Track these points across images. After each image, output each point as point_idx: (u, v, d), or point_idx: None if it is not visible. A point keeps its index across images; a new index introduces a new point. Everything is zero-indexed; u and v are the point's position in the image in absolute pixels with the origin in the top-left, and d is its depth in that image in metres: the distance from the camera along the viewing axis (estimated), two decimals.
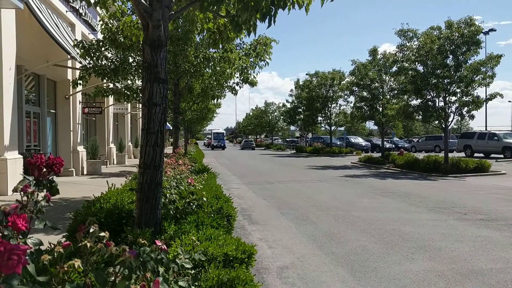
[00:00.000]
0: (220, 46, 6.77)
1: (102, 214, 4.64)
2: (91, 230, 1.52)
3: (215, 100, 19.48)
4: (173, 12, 4.15)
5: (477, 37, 20.12)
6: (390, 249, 6.89)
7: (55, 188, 1.73)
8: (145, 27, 3.94)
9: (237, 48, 13.11)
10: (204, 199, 5.06)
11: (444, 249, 6.84)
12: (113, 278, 1.43)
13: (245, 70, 13.50)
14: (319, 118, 43.30)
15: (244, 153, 51.17)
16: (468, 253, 6.59)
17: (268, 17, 4.24)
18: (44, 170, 1.71)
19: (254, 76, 13.73)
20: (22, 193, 1.57)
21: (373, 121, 29.39)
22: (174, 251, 2.80)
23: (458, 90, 20.63)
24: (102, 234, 1.56)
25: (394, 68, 24.02)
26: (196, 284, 2.34)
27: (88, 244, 1.47)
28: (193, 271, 2.68)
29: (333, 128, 42.69)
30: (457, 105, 20.84)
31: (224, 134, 71.22)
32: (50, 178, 1.72)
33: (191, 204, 4.89)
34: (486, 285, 5.19)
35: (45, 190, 1.68)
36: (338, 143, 48.87)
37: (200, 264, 2.97)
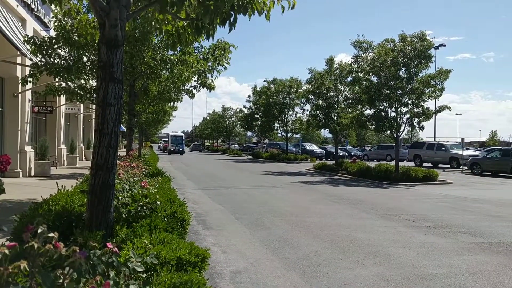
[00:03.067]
0: (178, 49, 6.69)
1: (51, 217, 4.47)
2: (39, 231, 1.46)
3: (172, 103, 19.23)
4: (131, 12, 4.09)
5: (429, 51, 21.00)
6: (341, 254, 7.03)
7: (0, 188, 1.65)
8: (102, 26, 3.85)
9: (196, 51, 13.05)
10: (158, 202, 4.98)
11: (393, 254, 7.05)
12: (61, 281, 1.38)
13: (203, 74, 13.44)
14: (276, 125, 43.77)
15: (199, 157, 50.84)
16: (416, 259, 6.82)
17: (228, 21, 4.26)
18: None
19: (212, 80, 13.70)
20: None
21: (327, 129, 29.96)
22: (126, 254, 2.74)
23: (409, 102, 21.42)
24: (51, 235, 1.50)
25: (350, 78, 24.64)
26: (148, 287, 2.30)
27: (36, 245, 1.41)
28: (145, 275, 2.63)
29: (289, 135, 43.23)
30: (408, 116, 21.62)
31: (183, 138, 66.01)
32: None
33: (144, 207, 4.80)
34: None
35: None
36: (294, 149, 49.48)
37: (152, 267, 2.93)
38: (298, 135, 48.66)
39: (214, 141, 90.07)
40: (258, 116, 46.73)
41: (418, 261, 6.71)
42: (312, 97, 29.64)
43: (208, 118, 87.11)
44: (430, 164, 33.12)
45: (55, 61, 12.29)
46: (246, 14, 4.15)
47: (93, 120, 36.76)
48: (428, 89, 21.15)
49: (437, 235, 8.67)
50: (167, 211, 5.10)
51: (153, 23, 4.73)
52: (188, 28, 4.65)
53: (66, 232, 4.20)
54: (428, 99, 21.52)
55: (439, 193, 16.49)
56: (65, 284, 1.38)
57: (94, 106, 27.48)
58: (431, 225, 9.65)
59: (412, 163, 33.85)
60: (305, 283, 5.58)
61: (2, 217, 8.31)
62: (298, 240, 7.97)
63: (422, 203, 13.55)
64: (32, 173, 17.98)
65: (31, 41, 11.83)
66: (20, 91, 17.22)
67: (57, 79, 13.15)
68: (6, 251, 1.38)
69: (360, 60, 22.56)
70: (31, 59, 13.59)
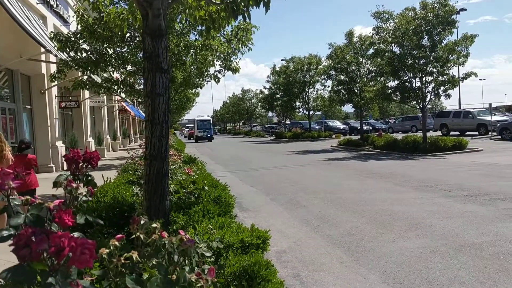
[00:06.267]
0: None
1: (102, 209, 4.60)
2: (141, 222, 1.52)
3: (196, 89, 19.28)
4: (170, 0, 4.10)
5: (452, 17, 20.42)
6: (382, 228, 7.03)
7: (92, 182, 1.71)
8: (145, 16, 3.87)
9: (218, 35, 12.98)
10: (206, 188, 5.06)
11: (434, 225, 7.02)
12: (171, 269, 1.44)
13: (227, 57, 13.38)
14: (297, 103, 43.48)
15: (223, 141, 51.09)
16: (458, 228, 6.78)
17: (262, 2, 4.24)
18: (81, 164, 1.69)
19: (236, 63, 13.64)
20: (67, 188, 1.55)
21: (351, 104, 29.59)
22: None
23: (434, 70, 20.93)
24: (154, 225, 1.55)
25: (371, 51, 24.21)
26: (222, 271, 2.36)
27: (142, 236, 1.46)
28: (212, 259, 2.69)
29: (311, 112, 42.94)
30: (433, 85, 21.17)
31: (211, 122, 55.34)
32: (86, 172, 1.70)
33: (193, 193, 4.89)
34: (479, 258, 5.37)
35: (81, 184, 1.67)
36: (317, 127, 49.08)
37: (217, 252, 3.00)
38: (319, 113, 48.21)
39: (236, 124, 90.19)
40: (278, 96, 46.49)
41: (461, 230, 6.67)
42: (333, 72, 29.18)
43: (228, 101, 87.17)
44: (457, 133, 32.51)
45: (83, 56, 12.43)
46: None
47: (117, 112, 37.24)
48: (453, 56, 20.61)
49: (476, 203, 8.58)
50: (212, 196, 5.18)
51: (187, 10, 4.74)
52: (222, 12, 4.64)
53: (119, 222, 4.31)
54: (453, 66, 21.03)
55: (471, 161, 16.24)
56: (176, 272, 1.43)
57: (116, 97, 27.78)
58: (468, 194, 9.54)
59: (439, 133, 33.29)
60: (352, 258, 5.62)
61: None
62: (337, 217, 7.99)
63: (455, 172, 13.38)
64: (65, 167, 18.36)
65: (57, 38, 11.97)
66: (46, 87, 17.51)
67: (83, 74, 13.32)
68: (116, 243, 1.44)
69: (381, 31, 22.07)
70: (56, 56, 13.76)
